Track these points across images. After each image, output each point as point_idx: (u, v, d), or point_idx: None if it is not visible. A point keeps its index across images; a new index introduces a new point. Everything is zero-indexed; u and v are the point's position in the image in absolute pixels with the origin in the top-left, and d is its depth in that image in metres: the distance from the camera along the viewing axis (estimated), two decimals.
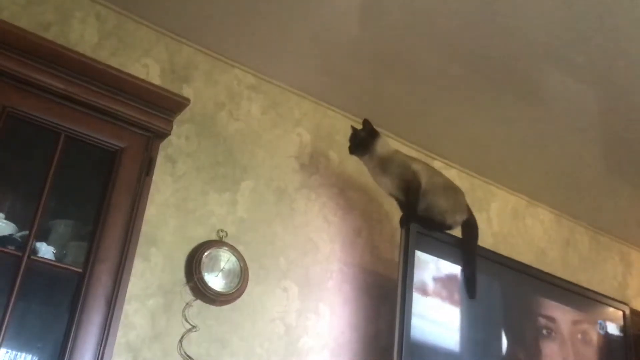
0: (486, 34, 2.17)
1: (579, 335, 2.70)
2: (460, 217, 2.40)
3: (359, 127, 2.41)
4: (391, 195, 2.42)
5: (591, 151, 2.77)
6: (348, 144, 2.40)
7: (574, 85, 2.37)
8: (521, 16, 2.07)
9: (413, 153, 2.84)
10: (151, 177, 1.88)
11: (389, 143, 2.44)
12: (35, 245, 1.69)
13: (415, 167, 2.38)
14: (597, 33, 2.10)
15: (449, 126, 2.74)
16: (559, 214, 3.30)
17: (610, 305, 2.84)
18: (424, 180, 2.36)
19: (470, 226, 2.43)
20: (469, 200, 2.78)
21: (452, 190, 2.44)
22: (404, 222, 2.32)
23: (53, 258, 1.74)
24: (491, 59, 2.29)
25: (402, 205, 2.38)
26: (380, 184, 2.41)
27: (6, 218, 1.75)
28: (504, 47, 2.22)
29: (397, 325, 2.17)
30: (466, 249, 2.40)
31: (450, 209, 2.37)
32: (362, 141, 2.36)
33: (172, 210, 2.19)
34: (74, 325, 1.62)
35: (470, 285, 2.36)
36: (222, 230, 2.25)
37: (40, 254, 1.70)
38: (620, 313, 2.84)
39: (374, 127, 2.38)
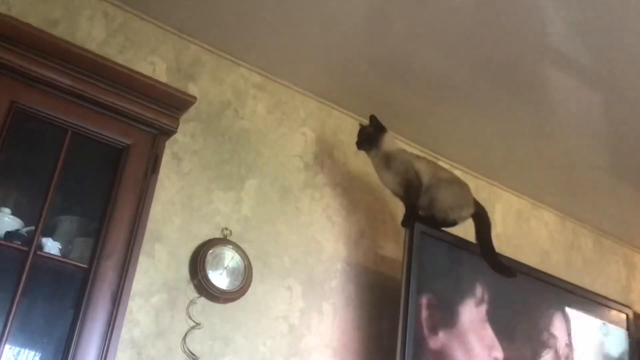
0: (491, 36, 2.17)
1: (582, 339, 2.70)
2: (467, 212, 2.40)
3: (366, 124, 2.43)
4: (393, 192, 2.43)
5: (596, 154, 2.77)
6: (355, 140, 2.42)
7: (579, 87, 2.36)
8: (526, 19, 2.07)
9: (418, 153, 2.83)
10: (157, 175, 1.88)
11: (395, 140, 2.45)
12: (41, 241, 1.70)
13: (418, 165, 2.39)
14: (603, 36, 2.10)
15: (454, 127, 2.74)
16: (563, 216, 3.30)
17: (613, 308, 2.83)
18: (426, 178, 2.37)
19: (481, 217, 2.42)
20: None
21: (456, 184, 2.44)
22: (406, 222, 2.33)
23: (59, 253, 1.74)
24: (496, 61, 2.29)
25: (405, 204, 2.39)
26: (383, 179, 2.42)
27: (13, 213, 1.76)
28: (509, 50, 2.22)
29: (401, 326, 2.18)
30: (481, 240, 2.39)
31: (454, 204, 2.37)
32: (369, 136, 2.39)
33: (177, 207, 2.20)
34: (79, 321, 1.63)
35: (502, 270, 2.33)
36: (226, 229, 2.26)
37: (46, 250, 1.71)
38: (624, 316, 2.84)
39: (381, 123, 2.40)
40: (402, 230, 2.36)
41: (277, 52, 2.43)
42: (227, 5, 2.22)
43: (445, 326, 2.32)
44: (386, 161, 2.37)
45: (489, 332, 2.42)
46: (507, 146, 2.81)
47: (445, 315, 2.33)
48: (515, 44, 2.20)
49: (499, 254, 2.38)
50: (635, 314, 2.89)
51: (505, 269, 2.35)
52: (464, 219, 2.40)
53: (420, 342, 2.21)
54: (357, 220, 2.60)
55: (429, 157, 2.74)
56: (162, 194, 2.16)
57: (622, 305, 2.88)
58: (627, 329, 2.82)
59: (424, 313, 2.26)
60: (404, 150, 2.45)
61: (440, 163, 2.90)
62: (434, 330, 2.29)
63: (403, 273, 2.25)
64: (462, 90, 2.48)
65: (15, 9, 2.05)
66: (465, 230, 2.46)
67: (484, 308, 2.43)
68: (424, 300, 2.26)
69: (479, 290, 2.42)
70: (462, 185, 2.47)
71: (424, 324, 2.25)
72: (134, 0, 2.26)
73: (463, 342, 2.35)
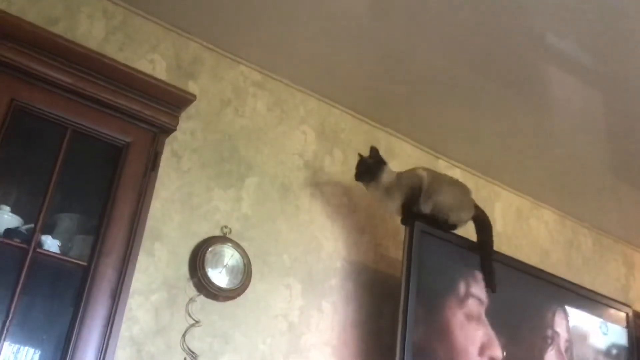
0: (492, 34, 2.17)
1: (582, 337, 2.70)
2: (467, 215, 2.41)
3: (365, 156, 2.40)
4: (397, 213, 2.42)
5: (596, 153, 2.77)
6: (355, 172, 2.39)
7: (580, 87, 2.36)
8: (528, 18, 2.07)
9: (418, 152, 2.85)
10: (156, 172, 1.89)
11: (392, 170, 2.42)
12: (40, 239, 1.70)
13: (420, 172, 2.41)
14: (604, 35, 2.10)
15: (454, 126, 2.74)
16: (563, 215, 3.30)
17: (613, 307, 2.83)
18: (426, 181, 2.37)
19: (481, 221, 2.44)
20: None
21: (456, 186, 2.46)
22: (406, 220, 2.33)
23: (58, 251, 1.75)
24: (497, 59, 2.29)
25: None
26: (386, 208, 2.44)
27: (12, 211, 1.76)
28: (511, 48, 2.22)
29: (400, 324, 2.18)
30: (480, 243, 2.41)
31: (454, 206, 2.38)
32: (369, 169, 2.37)
33: (177, 205, 2.20)
34: (78, 318, 1.63)
35: (489, 280, 2.37)
36: (226, 227, 2.26)
37: (46, 247, 1.71)
38: (623, 315, 2.84)
39: (380, 156, 2.39)
40: (402, 229, 2.36)
41: (277, 50, 2.43)
42: (226, 3, 2.22)
43: (445, 325, 2.32)
44: (387, 192, 2.36)
45: (489, 330, 2.42)
46: (507, 145, 2.81)
47: (446, 314, 2.33)
48: (516, 43, 2.19)
49: (493, 263, 2.40)
50: (635, 313, 2.89)
51: (491, 280, 2.37)
52: (464, 221, 2.42)
53: (419, 341, 2.21)
54: (357, 219, 2.60)
55: (428, 158, 2.75)
56: (162, 191, 2.16)
57: (621, 304, 2.88)
58: (627, 327, 2.82)
59: (423, 311, 2.26)
60: (400, 173, 2.43)
61: (441, 161, 2.91)
62: (433, 329, 2.29)
63: (403, 272, 2.25)
64: (462, 89, 2.48)
65: (16, 6, 2.05)
66: (465, 229, 2.47)
67: (484, 306, 2.42)
68: (423, 299, 2.26)
69: (480, 289, 2.41)
70: (463, 188, 2.48)
71: (423, 322, 2.25)
72: None
73: (462, 340, 2.35)
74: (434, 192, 2.36)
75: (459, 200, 2.42)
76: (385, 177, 2.37)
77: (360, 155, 2.43)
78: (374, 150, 2.39)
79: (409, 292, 2.21)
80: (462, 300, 2.38)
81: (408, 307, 2.19)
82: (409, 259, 2.26)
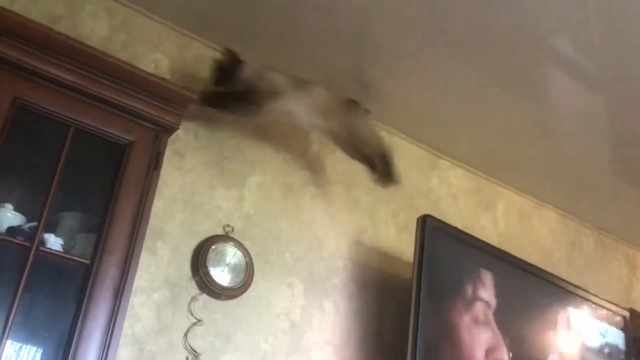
0: (495, 34, 2.17)
1: (581, 338, 2.70)
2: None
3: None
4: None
5: (598, 153, 2.76)
6: (212, 78, 2.17)
7: (582, 87, 2.36)
8: (531, 18, 2.07)
9: (420, 151, 2.84)
10: (159, 171, 1.89)
11: (256, 68, 2.19)
12: (43, 237, 1.70)
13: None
14: (606, 36, 2.09)
15: (456, 125, 2.73)
16: (565, 215, 3.29)
17: (611, 310, 2.83)
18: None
19: None
20: (475, 200, 2.79)
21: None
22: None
23: (61, 249, 1.75)
24: (499, 59, 2.29)
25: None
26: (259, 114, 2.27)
27: (15, 209, 1.76)
28: (513, 49, 2.22)
29: (412, 324, 2.16)
30: None
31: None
32: (228, 71, 2.15)
33: (179, 204, 2.20)
34: (81, 317, 1.63)
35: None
36: (228, 225, 2.26)
37: (49, 245, 1.71)
38: (622, 317, 2.84)
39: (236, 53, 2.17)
40: (404, 228, 2.36)
41: (277, 50, 2.43)
42: (228, 3, 2.22)
43: (453, 324, 2.31)
44: (250, 90, 2.16)
45: (495, 330, 2.41)
46: (510, 145, 2.80)
47: (454, 314, 2.33)
48: (518, 44, 2.19)
49: None
50: (634, 313, 2.89)
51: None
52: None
53: (429, 341, 2.19)
54: (359, 218, 2.60)
55: (430, 157, 2.75)
56: (164, 190, 2.16)
57: (619, 307, 2.89)
58: (624, 330, 2.82)
59: (433, 311, 2.24)
60: (269, 68, 2.23)
61: (442, 161, 2.91)
62: (442, 329, 2.28)
63: (414, 269, 2.22)
64: (465, 88, 2.48)
65: (18, 4, 2.05)
66: (469, 227, 2.47)
67: (492, 305, 2.42)
68: (433, 297, 2.24)
69: (487, 288, 2.41)
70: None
71: (433, 322, 2.24)
72: None
73: (469, 340, 2.34)
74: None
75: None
76: (247, 75, 2.15)
77: (214, 59, 2.21)
78: (228, 51, 2.16)
79: (421, 290, 2.19)
80: (470, 301, 2.37)
81: (420, 306, 2.17)
82: (421, 257, 2.23)
